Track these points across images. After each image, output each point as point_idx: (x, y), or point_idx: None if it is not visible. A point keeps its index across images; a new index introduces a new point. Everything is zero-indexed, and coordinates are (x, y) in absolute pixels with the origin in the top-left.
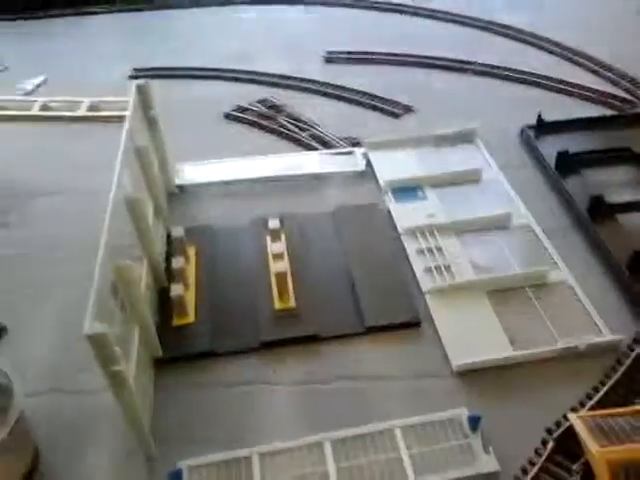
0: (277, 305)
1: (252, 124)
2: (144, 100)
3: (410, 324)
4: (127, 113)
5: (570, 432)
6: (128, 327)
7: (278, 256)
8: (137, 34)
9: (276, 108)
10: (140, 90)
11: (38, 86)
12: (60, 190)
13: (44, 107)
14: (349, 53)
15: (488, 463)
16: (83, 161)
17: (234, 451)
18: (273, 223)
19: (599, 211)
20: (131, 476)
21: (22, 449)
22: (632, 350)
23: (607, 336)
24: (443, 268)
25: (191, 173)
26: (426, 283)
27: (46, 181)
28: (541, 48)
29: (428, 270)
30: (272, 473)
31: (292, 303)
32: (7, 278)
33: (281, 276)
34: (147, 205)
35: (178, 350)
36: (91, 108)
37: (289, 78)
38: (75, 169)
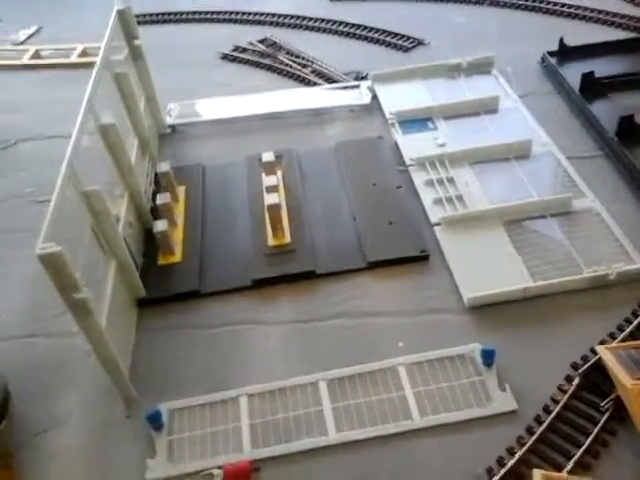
0: (271, 242)
1: (251, 63)
2: (126, 27)
3: (417, 258)
4: (105, 39)
5: (598, 367)
6: (103, 262)
7: (272, 189)
8: None
9: (276, 46)
10: (121, 16)
11: (30, 36)
12: (48, 134)
13: (35, 55)
14: None
15: (504, 402)
16: (74, 107)
17: (220, 392)
18: (267, 156)
19: (630, 133)
20: (108, 417)
21: None
22: None
23: None
24: (454, 198)
25: (184, 112)
26: (435, 214)
27: (35, 126)
28: None
29: (438, 201)
30: (261, 415)
31: (287, 239)
32: None
33: (274, 209)
34: (128, 136)
35: (163, 290)
36: (82, 54)
37: (292, 17)
38: (65, 115)
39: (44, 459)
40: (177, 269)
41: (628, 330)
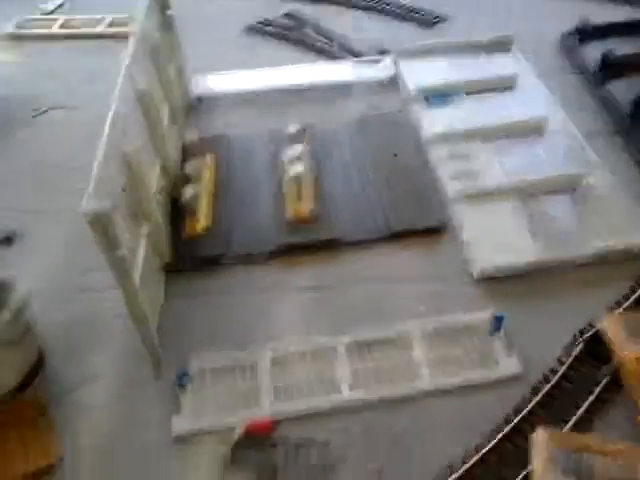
0: (295, 210)
1: (276, 36)
2: None
3: (434, 229)
4: (141, 9)
5: (597, 336)
6: (136, 224)
7: (296, 159)
8: None
9: (302, 21)
10: None
11: (59, 6)
12: (76, 104)
13: (64, 25)
14: None
15: (510, 365)
16: (100, 76)
17: (243, 352)
18: (293, 127)
19: None
20: (135, 376)
21: (26, 344)
22: None
23: None
24: (471, 173)
25: (211, 84)
26: (453, 189)
27: (62, 95)
28: None
29: (455, 176)
30: (281, 373)
31: (311, 208)
32: (22, 187)
33: (299, 179)
34: (161, 103)
35: (190, 255)
36: (111, 25)
37: None
38: (91, 84)
39: (76, 414)
40: (204, 235)
41: (627, 304)
